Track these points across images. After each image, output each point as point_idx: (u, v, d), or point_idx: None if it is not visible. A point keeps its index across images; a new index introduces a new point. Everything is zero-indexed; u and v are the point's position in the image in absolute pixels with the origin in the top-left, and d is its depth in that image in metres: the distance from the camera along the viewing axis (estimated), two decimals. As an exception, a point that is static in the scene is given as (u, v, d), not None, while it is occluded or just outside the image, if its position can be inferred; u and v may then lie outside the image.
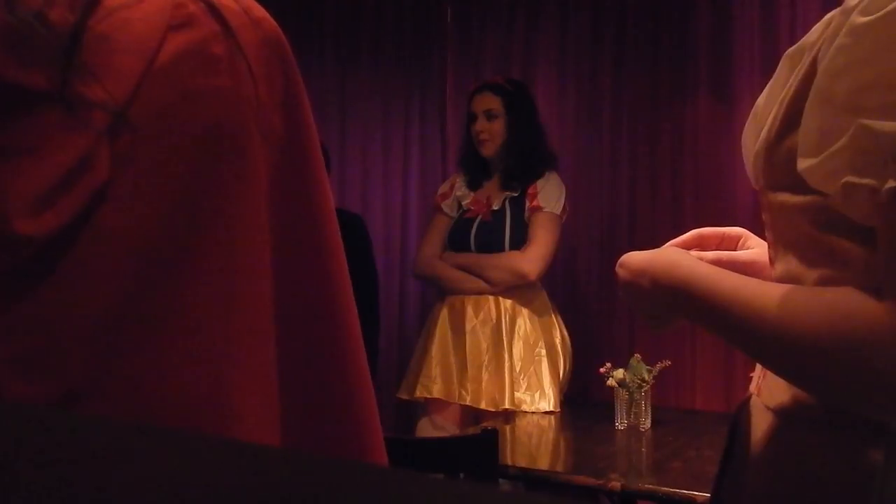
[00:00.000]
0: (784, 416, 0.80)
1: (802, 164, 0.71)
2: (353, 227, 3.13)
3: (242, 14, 0.60)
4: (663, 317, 0.91)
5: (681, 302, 0.83)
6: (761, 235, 0.92)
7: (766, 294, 0.75)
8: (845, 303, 0.70)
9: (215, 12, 0.58)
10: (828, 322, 0.69)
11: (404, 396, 2.79)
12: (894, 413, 0.71)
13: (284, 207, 0.61)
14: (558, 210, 2.75)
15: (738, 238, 1.00)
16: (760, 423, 0.84)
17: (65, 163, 0.51)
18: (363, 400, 0.66)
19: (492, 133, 2.78)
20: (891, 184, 0.64)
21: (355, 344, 0.66)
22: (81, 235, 0.51)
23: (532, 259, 2.68)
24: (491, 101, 2.80)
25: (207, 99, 0.56)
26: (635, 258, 0.90)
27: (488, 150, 2.79)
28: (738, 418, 0.90)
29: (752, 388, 0.89)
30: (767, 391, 0.83)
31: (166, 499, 0.24)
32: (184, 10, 0.57)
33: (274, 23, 0.63)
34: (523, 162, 2.75)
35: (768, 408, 0.82)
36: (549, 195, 2.74)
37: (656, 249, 0.92)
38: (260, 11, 0.63)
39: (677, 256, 0.86)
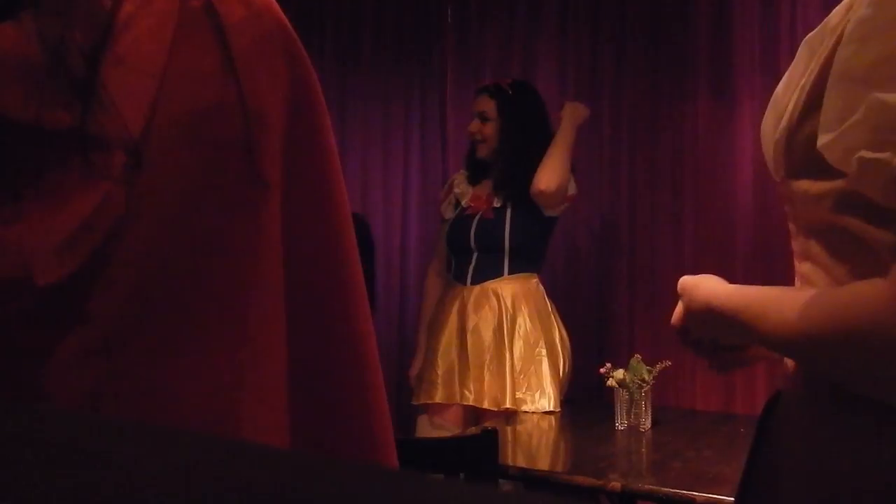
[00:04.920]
0: (822, 402, 0.78)
1: (822, 140, 0.69)
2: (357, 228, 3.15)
3: (241, 8, 0.57)
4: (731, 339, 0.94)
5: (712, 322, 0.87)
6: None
7: (781, 299, 0.76)
8: (852, 290, 0.68)
9: (211, 13, 0.55)
10: (832, 312, 0.68)
11: (414, 402, 2.79)
12: None
13: (297, 218, 0.60)
14: (574, 191, 2.74)
15: None
16: (799, 415, 0.82)
17: (84, 210, 0.49)
18: (377, 409, 0.65)
19: (483, 135, 2.78)
20: None
21: (370, 355, 0.65)
22: (93, 268, 0.51)
23: (545, 176, 2.64)
24: (485, 104, 2.80)
25: (210, 116, 0.54)
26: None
27: (480, 152, 2.81)
28: (769, 416, 0.89)
29: (784, 384, 0.88)
30: (805, 381, 0.82)
31: (165, 498, 0.24)
32: (184, 17, 0.54)
33: (278, 13, 0.60)
34: (515, 169, 2.71)
35: (807, 398, 0.81)
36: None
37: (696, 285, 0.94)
38: (263, 1, 0.59)
39: (702, 286, 0.90)
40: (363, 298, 0.65)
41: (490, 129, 2.77)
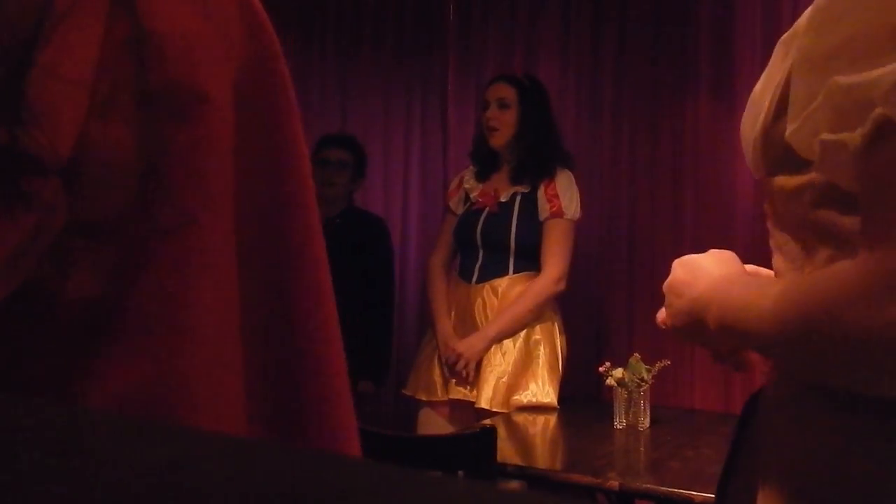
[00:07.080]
0: (803, 400, 0.78)
1: (789, 129, 0.70)
2: (377, 232, 3.16)
3: None
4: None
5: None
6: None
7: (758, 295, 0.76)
8: (820, 275, 0.69)
9: None
10: (801, 300, 0.68)
11: (408, 393, 2.79)
12: (886, 385, 0.66)
13: (250, 183, 0.55)
14: (577, 216, 2.74)
15: None
16: (777, 413, 0.82)
17: (23, 237, 0.45)
18: (341, 396, 0.62)
19: (501, 122, 2.74)
20: (860, 132, 0.62)
21: (335, 340, 0.62)
22: (40, 274, 0.48)
23: (561, 277, 2.68)
24: (504, 91, 2.77)
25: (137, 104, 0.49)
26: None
27: (497, 140, 2.75)
28: (749, 412, 0.89)
29: (766, 381, 0.88)
30: (784, 379, 0.82)
31: (157, 493, 0.23)
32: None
33: None
34: (534, 156, 2.71)
35: (785, 396, 0.81)
36: (571, 199, 2.71)
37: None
38: None
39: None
40: (327, 283, 0.61)
41: (510, 116, 2.74)
